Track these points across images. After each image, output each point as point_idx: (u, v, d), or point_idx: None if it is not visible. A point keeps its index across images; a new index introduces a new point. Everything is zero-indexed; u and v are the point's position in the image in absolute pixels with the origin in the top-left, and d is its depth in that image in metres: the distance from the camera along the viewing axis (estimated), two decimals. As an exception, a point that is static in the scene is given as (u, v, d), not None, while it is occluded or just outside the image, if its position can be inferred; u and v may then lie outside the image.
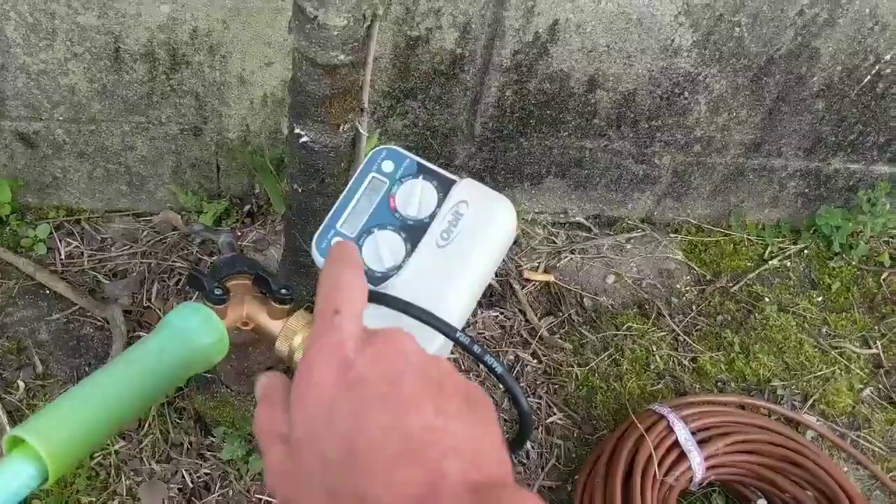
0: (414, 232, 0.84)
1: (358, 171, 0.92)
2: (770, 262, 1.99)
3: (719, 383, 1.75)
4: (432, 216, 0.85)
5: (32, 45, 1.44)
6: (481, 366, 0.70)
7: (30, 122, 1.57)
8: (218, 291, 1.08)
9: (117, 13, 1.41)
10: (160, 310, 1.65)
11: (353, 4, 1.10)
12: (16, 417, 1.48)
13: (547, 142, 1.75)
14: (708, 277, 1.93)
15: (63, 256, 1.70)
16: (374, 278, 0.80)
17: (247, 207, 1.78)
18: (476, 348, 0.69)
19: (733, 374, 1.77)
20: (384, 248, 0.82)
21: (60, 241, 1.72)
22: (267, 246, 1.77)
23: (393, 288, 0.80)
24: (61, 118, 1.57)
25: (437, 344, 0.72)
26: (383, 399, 0.40)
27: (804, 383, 1.78)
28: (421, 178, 0.88)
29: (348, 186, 0.91)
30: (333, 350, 0.43)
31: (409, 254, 0.83)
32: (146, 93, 1.54)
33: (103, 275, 1.69)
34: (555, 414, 1.63)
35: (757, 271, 1.96)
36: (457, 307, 0.78)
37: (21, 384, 1.53)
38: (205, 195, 1.76)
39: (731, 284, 1.93)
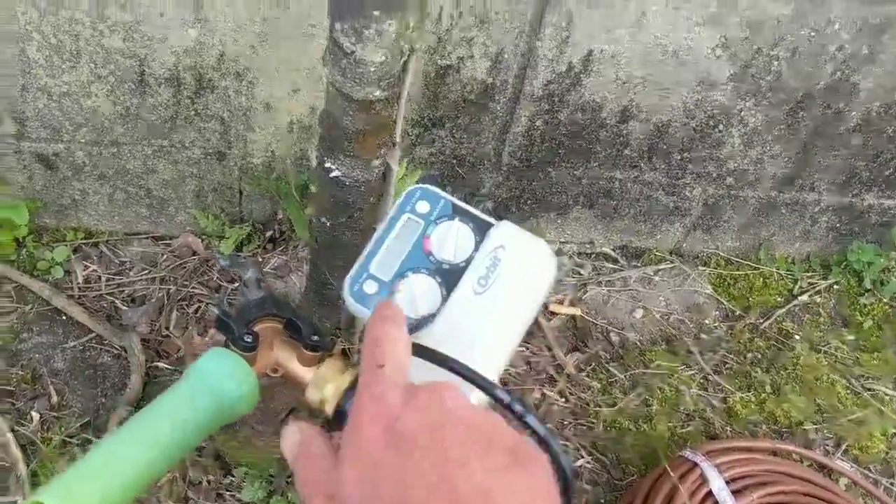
0: (449, 277, 0.80)
1: (392, 210, 0.89)
2: (800, 298, 1.94)
3: (750, 425, 1.70)
4: (468, 261, 0.81)
5: (55, 66, 1.40)
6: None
7: (50, 143, 1.53)
8: (248, 338, 1.04)
9: (143, 36, 1.37)
10: (179, 338, 1.61)
11: (391, 40, 1.06)
12: (29, 452, 1.44)
13: (576, 172, 1.71)
14: (737, 312, 1.89)
15: (80, 281, 1.66)
16: (409, 326, 0.77)
17: (269, 233, 1.74)
18: (517, 407, 0.65)
19: (764, 415, 1.72)
20: (419, 293, 0.78)
21: (78, 264, 1.68)
22: (288, 273, 1.73)
23: (428, 337, 0.76)
24: (83, 140, 1.54)
25: (475, 400, 0.69)
26: (429, 456, 0.39)
27: (837, 427, 1.73)
28: (457, 220, 0.84)
29: (381, 226, 0.87)
30: (379, 404, 0.42)
31: (444, 300, 0.79)
32: (170, 116, 1.51)
33: (121, 300, 1.65)
34: (583, 457, 1.59)
35: (787, 307, 1.91)
36: (495, 359, 0.75)
37: (35, 415, 1.49)
38: (226, 220, 1.72)
39: (760, 321, 1.88)
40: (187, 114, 1.51)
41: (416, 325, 0.79)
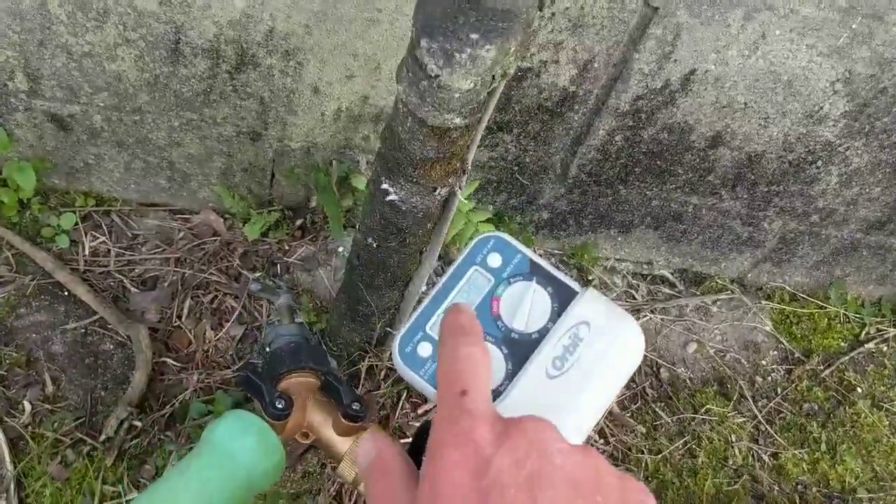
0: (519, 349, 0.66)
1: (458, 260, 0.72)
2: (866, 345, 1.78)
3: (800, 486, 1.57)
4: (543, 333, 0.66)
5: (79, 24, 1.21)
6: None
7: (65, 104, 1.35)
8: (280, 404, 0.89)
9: (182, 2, 1.18)
10: (191, 331, 1.45)
11: (486, 67, 0.87)
12: (20, 447, 1.30)
13: (648, 192, 1.53)
14: (797, 355, 1.73)
15: (87, 253, 1.50)
16: None
17: (299, 221, 1.57)
18: None
19: (816, 476, 1.58)
20: None
21: (86, 233, 1.51)
22: (316, 266, 1.57)
23: None
24: (102, 104, 1.35)
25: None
26: None
27: (892, 498, 1.59)
28: (534, 281, 0.69)
29: (444, 278, 0.71)
30: (465, 441, 0.36)
31: (510, 376, 0.65)
32: (203, 90, 1.32)
33: (130, 280, 1.49)
34: (619, 509, 1.45)
35: (850, 354, 1.75)
36: None
37: (27, 405, 1.34)
38: (254, 202, 1.55)
39: (821, 367, 1.72)
40: (223, 89, 1.32)
41: None
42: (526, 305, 0.67)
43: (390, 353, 1.41)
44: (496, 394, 0.63)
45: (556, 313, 0.67)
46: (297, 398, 0.92)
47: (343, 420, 0.87)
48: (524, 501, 0.34)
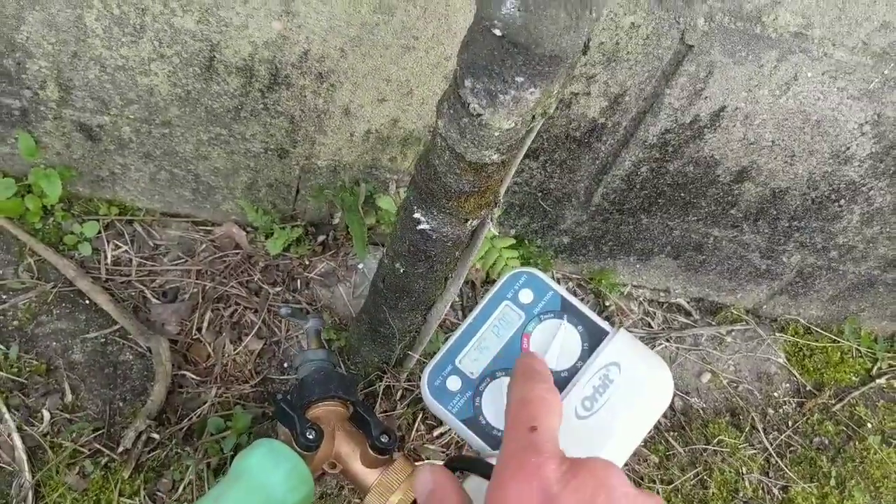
0: None
1: (490, 294, 0.73)
2: (877, 381, 1.79)
3: (808, 521, 1.57)
4: (573, 371, 0.67)
5: (114, 38, 1.21)
6: None
7: (95, 114, 1.35)
8: (310, 435, 0.89)
9: (220, 21, 1.18)
10: (210, 344, 1.46)
11: (529, 108, 0.88)
12: (38, 455, 1.31)
13: (671, 223, 1.54)
14: (808, 388, 1.74)
15: (109, 262, 1.50)
16: (493, 438, 0.64)
17: (321, 238, 1.57)
18: None
19: (825, 511, 1.59)
20: None
21: (108, 242, 1.52)
22: (336, 282, 1.57)
23: None
24: (132, 117, 1.35)
25: None
26: None
27: (900, 535, 1.60)
28: (565, 319, 0.70)
29: (475, 312, 0.72)
30: (532, 476, 0.37)
31: None
32: (234, 107, 1.32)
33: (151, 291, 1.49)
34: (630, 538, 1.45)
35: (861, 389, 1.76)
36: None
37: (46, 414, 1.34)
38: (277, 217, 1.55)
39: (832, 401, 1.73)
40: (254, 107, 1.32)
41: (501, 439, 0.66)
42: (556, 343, 0.68)
43: (407, 375, 1.42)
44: (525, 432, 0.64)
45: (587, 352, 0.67)
46: (326, 428, 0.92)
47: (371, 452, 0.88)
48: None
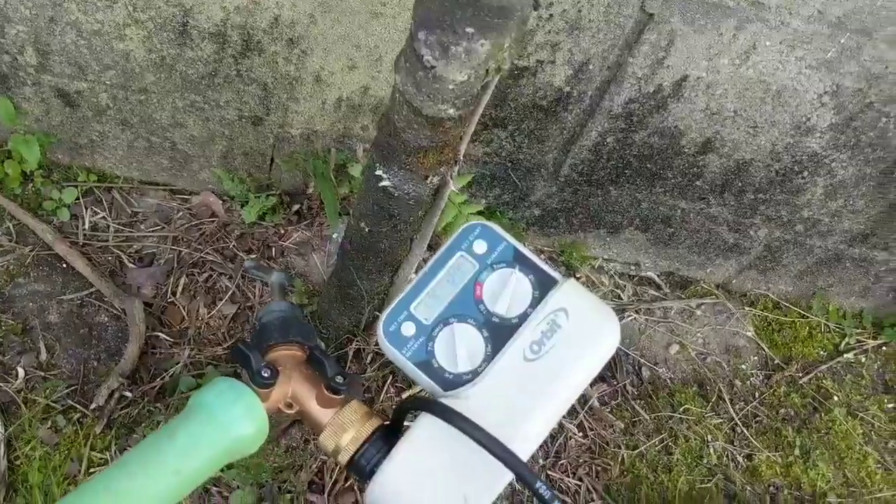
0: (498, 332, 0.70)
1: (445, 245, 0.76)
2: (845, 356, 1.82)
3: (772, 488, 1.60)
4: (523, 318, 0.70)
5: (90, 2, 1.24)
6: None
7: (73, 80, 1.38)
8: (266, 373, 0.92)
9: (192, -14, 1.21)
10: (184, 308, 1.49)
11: (480, 61, 0.91)
12: (11, 411, 1.33)
13: (638, 194, 1.57)
14: (776, 362, 1.77)
15: (87, 227, 1.53)
16: (445, 380, 0.67)
17: (296, 207, 1.60)
18: (545, 492, 0.59)
19: (788, 479, 1.62)
20: (461, 346, 0.68)
21: (87, 208, 1.55)
22: (310, 251, 1.60)
23: (466, 399, 0.67)
24: (109, 83, 1.38)
25: (504, 481, 0.62)
26: None
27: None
28: (517, 268, 0.73)
29: (430, 262, 0.75)
30: None
31: (488, 359, 0.69)
32: (208, 73, 1.35)
33: (127, 256, 1.52)
34: (594, 500, 1.49)
35: (829, 363, 1.79)
36: (534, 435, 0.66)
37: (21, 371, 1.37)
38: (253, 185, 1.58)
39: (799, 374, 1.76)
40: (228, 73, 1.35)
41: (453, 381, 0.69)
42: (508, 291, 0.71)
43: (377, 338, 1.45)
44: (474, 374, 0.67)
45: (537, 300, 0.70)
46: (284, 370, 0.95)
47: (326, 392, 0.91)
48: None
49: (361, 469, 0.70)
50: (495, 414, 0.63)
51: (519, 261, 0.71)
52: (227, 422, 0.79)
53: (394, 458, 0.65)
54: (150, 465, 0.69)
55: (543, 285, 0.70)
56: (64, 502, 0.62)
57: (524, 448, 0.63)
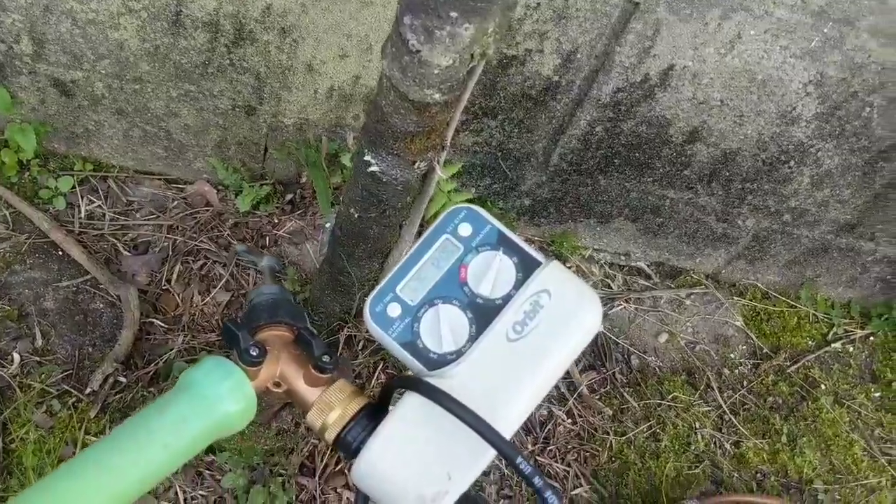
0: (482, 313, 0.72)
1: (431, 228, 0.78)
2: (833, 345, 1.83)
3: (759, 475, 1.62)
4: (506, 299, 0.72)
5: (84, -9, 1.27)
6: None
7: (68, 69, 1.40)
8: (254, 352, 0.94)
9: (185, -25, 1.23)
10: (178, 295, 1.51)
11: (465, 45, 0.93)
12: (7, 395, 1.35)
13: (627, 184, 1.59)
14: (765, 351, 1.78)
15: (83, 216, 1.55)
16: (430, 360, 0.69)
17: (290, 196, 1.62)
18: (537, 480, 0.60)
19: (775, 466, 1.64)
20: (446, 326, 0.70)
21: (83, 197, 1.57)
22: (304, 240, 1.62)
23: (450, 378, 0.69)
24: (104, 72, 1.40)
25: (487, 458, 0.63)
26: None
27: (847, 490, 1.65)
28: (501, 251, 0.75)
29: (416, 244, 0.76)
30: None
31: (472, 339, 0.71)
32: (202, 62, 1.37)
33: (123, 244, 1.54)
34: (581, 486, 1.51)
35: (817, 353, 1.81)
36: (517, 413, 0.68)
37: (16, 356, 1.39)
38: (247, 175, 1.60)
39: (787, 363, 1.78)
40: (221, 62, 1.37)
41: (437, 360, 0.71)
42: (492, 273, 0.72)
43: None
44: (458, 354, 0.68)
45: (521, 281, 0.72)
46: (272, 349, 0.97)
47: (313, 371, 0.93)
48: None
49: (348, 446, 0.72)
50: (479, 393, 0.65)
51: (503, 243, 0.73)
52: (215, 398, 0.81)
53: (379, 435, 0.66)
54: (139, 439, 0.71)
55: (527, 267, 0.72)
56: (55, 476, 0.64)
57: (507, 426, 0.65)
